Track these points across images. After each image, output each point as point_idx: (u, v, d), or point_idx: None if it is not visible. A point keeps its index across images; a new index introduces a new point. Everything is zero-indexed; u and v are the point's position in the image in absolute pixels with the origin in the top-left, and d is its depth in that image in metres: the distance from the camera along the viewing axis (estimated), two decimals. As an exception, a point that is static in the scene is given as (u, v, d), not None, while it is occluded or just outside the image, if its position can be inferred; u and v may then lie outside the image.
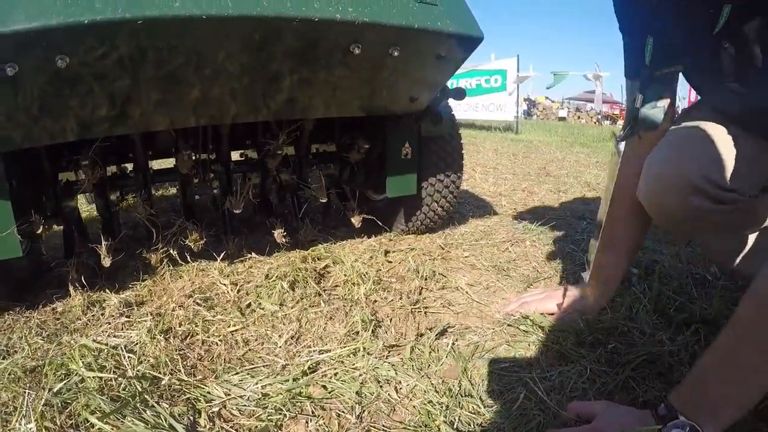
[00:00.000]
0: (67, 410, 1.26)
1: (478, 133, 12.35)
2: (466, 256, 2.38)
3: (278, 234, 2.26)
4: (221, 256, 2.20)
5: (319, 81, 1.78)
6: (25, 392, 1.32)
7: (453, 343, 1.57)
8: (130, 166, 2.51)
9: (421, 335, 1.64)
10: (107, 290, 1.98)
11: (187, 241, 2.14)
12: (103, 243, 2.00)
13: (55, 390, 1.33)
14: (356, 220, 2.44)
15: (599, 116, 30.11)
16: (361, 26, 1.60)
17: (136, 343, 1.59)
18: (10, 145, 1.61)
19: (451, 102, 2.46)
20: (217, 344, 1.60)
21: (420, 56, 1.86)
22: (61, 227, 2.21)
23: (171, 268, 2.17)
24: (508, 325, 1.70)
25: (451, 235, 2.73)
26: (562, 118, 30.15)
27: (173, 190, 4.12)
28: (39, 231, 1.86)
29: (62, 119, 1.57)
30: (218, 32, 1.46)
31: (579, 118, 30.77)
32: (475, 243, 2.60)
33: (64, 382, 1.38)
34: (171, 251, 2.17)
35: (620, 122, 30.11)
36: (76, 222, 2.32)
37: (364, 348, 1.53)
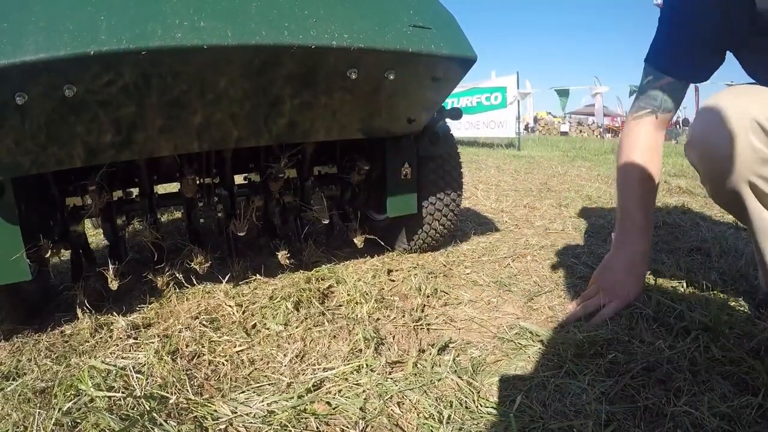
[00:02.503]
0: (77, 429, 1.30)
1: (480, 150, 12.41)
2: (468, 273, 2.41)
3: (282, 256, 2.30)
4: (226, 278, 2.24)
5: (319, 105, 1.84)
6: (35, 412, 1.36)
7: (454, 359, 1.60)
8: (135, 191, 2.55)
9: (423, 351, 1.67)
10: (114, 313, 2.02)
11: (192, 264, 2.18)
12: (111, 266, 2.05)
13: (64, 409, 1.37)
14: (359, 241, 2.47)
15: (601, 129, 30.16)
16: (356, 52, 1.66)
17: (144, 364, 1.62)
18: (19, 171, 1.66)
19: (452, 121, 2.50)
20: (224, 364, 1.63)
21: (416, 79, 1.91)
22: (69, 251, 2.26)
23: (177, 290, 2.21)
24: (509, 339, 1.73)
25: (454, 253, 2.76)
26: (564, 133, 30.25)
27: (177, 214, 4.16)
28: (47, 255, 1.91)
29: (69, 146, 1.63)
30: (219, 61, 1.52)
31: (581, 132, 30.87)
32: (477, 260, 2.63)
33: (74, 401, 1.42)
34: (177, 274, 2.21)
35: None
36: (83, 246, 2.36)
37: (368, 365, 1.56)
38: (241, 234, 2.22)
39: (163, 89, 1.54)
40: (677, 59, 1.81)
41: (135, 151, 1.78)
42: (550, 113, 38.37)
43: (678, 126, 29.23)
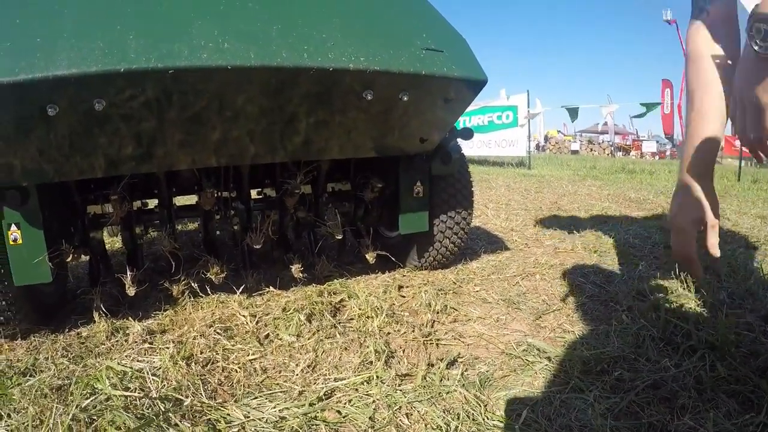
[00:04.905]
0: (93, 425, 1.35)
1: (490, 169, 12.47)
2: (477, 291, 2.45)
3: (295, 269, 2.35)
4: (240, 289, 2.29)
5: (334, 124, 1.90)
6: (52, 407, 1.42)
7: (462, 373, 1.64)
8: (155, 202, 2.61)
9: (432, 365, 1.70)
10: (130, 318, 2.08)
11: (208, 274, 2.23)
12: (128, 273, 2.11)
13: (82, 406, 1.42)
14: (370, 257, 2.52)
15: (612, 148, 30.21)
16: (372, 74, 1.72)
17: (159, 368, 1.68)
18: (43, 178, 1.75)
19: (463, 140, 2.55)
20: (237, 371, 1.68)
21: (428, 100, 1.96)
22: (87, 257, 2.32)
23: (192, 299, 2.27)
24: (516, 356, 1.76)
25: (464, 270, 2.79)
26: (575, 152, 30.25)
27: (192, 225, 4.23)
28: (69, 259, 1.98)
29: (92, 156, 1.71)
30: (240, 80, 1.59)
31: (592, 150, 30.87)
32: (487, 278, 2.66)
33: (90, 399, 1.48)
34: (192, 283, 2.27)
35: (633, 153, 30.16)
36: (102, 252, 2.42)
37: (378, 376, 1.60)
38: (257, 247, 2.27)
39: (185, 105, 1.61)
40: None
41: (155, 164, 1.85)
42: (560, 132, 38.38)
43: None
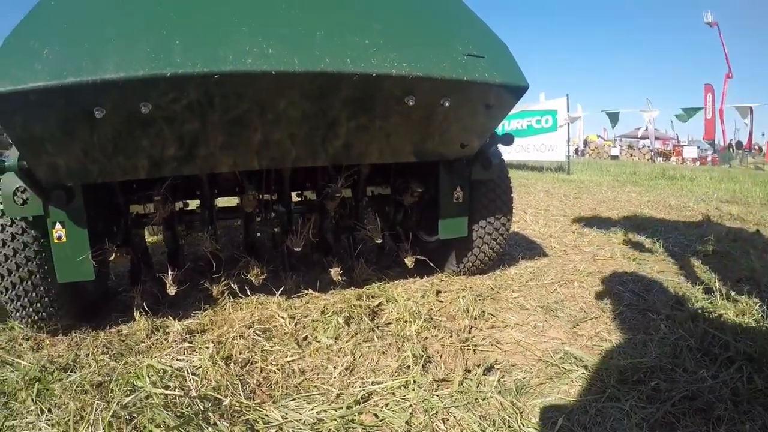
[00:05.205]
0: (133, 422, 1.40)
1: (529, 174, 12.37)
2: (515, 297, 2.45)
3: (335, 272, 2.38)
4: (280, 291, 2.32)
5: (375, 129, 1.92)
6: (93, 403, 1.47)
7: (499, 380, 1.65)
8: (196, 202, 2.66)
9: (469, 371, 1.71)
10: (170, 317, 2.14)
11: (248, 276, 2.27)
12: (169, 273, 2.16)
13: (123, 403, 1.47)
14: (409, 261, 2.53)
15: (652, 153, 29.66)
16: (414, 80, 1.74)
17: (199, 367, 1.72)
18: (88, 178, 1.82)
19: (504, 146, 2.54)
20: (275, 372, 1.71)
21: (469, 106, 1.97)
22: (129, 256, 2.38)
23: (231, 299, 2.31)
24: (553, 363, 1.76)
25: (502, 276, 2.79)
26: (615, 157, 29.81)
27: (234, 224, 4.29)
28: (111, 258, 2.04)
29: (135, 158, 1.76)
30: (283, 85, 1.62)
31: (631, 155, 30.38)
32: (525, 284, 2.66)
33: (131, 396, 1.53)
34: (232, 284, 2.31)
35: (673, 159, 29.62)
36: (143, 251, 2.48)
37: (415, 381, 1.62)
38: (297, 249, 2.30)
39: (228, 109, 1.65)
40: None
41: (197, 165, 1.90)
42: (600, 136, 37.87)
43: (732, 149, 28.47)
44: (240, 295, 2.33)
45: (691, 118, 14.81)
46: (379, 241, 2.45)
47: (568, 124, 13.36)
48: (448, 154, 2.24)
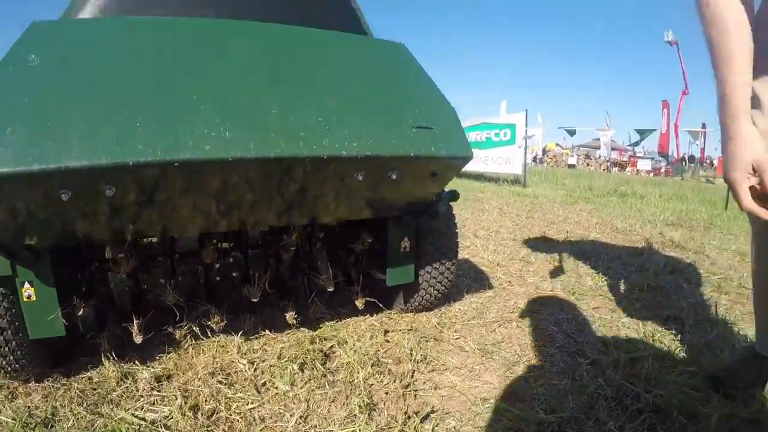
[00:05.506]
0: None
1: (486, 185, 12.69)
2: (456, 338, 2.67)
3: (290, 316, 2.56)
4: (239, 334, 2.51)
5: (328, 199, 2.12)
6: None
7: (433, 428, 1.87)
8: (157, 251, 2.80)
9: (409, 418, 1.92)
10: (137, 362, 2.30)
11: (209, 323, 2.44)
12: (135, 321, 2.30)
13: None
14: (360, 303, 2.74)
15: (608, 163, 30.39)
16: (363, 159, 1.93)
17: (170, 418, 1.90)
18: (54, 244, 1.95)
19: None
20: (238, 421, 1.90)
21: (416, 175, 2.18)
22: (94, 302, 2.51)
23: (194, 342, 2.49)
24: (482, 413, 1.98)
25: (446, 314, 3.02)
26: (572, 165, 30.46)
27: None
28: (80, 313, 2.17)
29: (100, 228, 1.91)
30: (239, 168, 1.79)
31: (588, 165, 31.09)
32: (467, 323, 2.89)
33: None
34: (194, 327, 2.49)
35: (629, 169, 30.35)
36: (108, 298, 2.63)
37: (360, 430, 1.83)
38: (255, 300, 2.47)
39: (187, 187, 1.80)
40: None
41: (158, 232, 2.08)
42: (558, 145, 38.64)
43: (684, 162, 29.31)
44: (201, 337, 2.50)
45: (644, 139, 15.37)
46: (331, 289, 2.63)
47: (526, 140, 13.72)
48: (396, 211, 2.46)
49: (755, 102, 1.62)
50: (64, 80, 1.74)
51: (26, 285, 1.94)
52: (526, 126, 13.64)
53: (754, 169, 1.46)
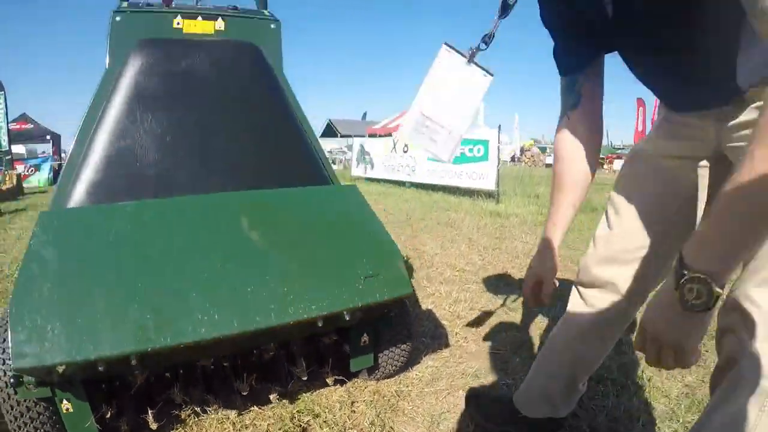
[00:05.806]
0: None
1: (460, 202, 13.19)
2: (410, 408, 3.20)
3: (273, 397, 3.10)
4: (233, 410, 3.05)
5: (294, 335, 2.84)
6: None
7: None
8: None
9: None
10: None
11: (208, 409, 2.99)
12: (150, 412, 2.77)
13: None
14: (330, 381, 3.29)
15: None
16: (321, 317, 2.55)
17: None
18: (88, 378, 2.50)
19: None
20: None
21: (367, 314, 2.82)
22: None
23: (196, 419, 3.01)
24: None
25: (405, 380, 3.51)
26: (549, 165, 31.01)
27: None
28: (108, 416, 2.65)
29: (124, 371, 2.55)
30: (225, 340, 2.37)
31: (567, 164, 31.50)
32: (421, 391, 3.40)
33: None
34: (196, 408, 3.02)
35: (606, 166, 31.02)
36: (128, 398, 2.98)
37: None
38: (244, 393, 3.03)
39: (188, 352, 2.41)
40: (558, 59, 1.98)
41: (166, 367, 2.78)
42: (536, 141, 39.13)
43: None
44: (201, 414, 3.03)
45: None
46: (305, 378, 3.15)
47: (498, 153, 14.25)
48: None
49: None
50: (83, 275, 2.34)
51: (64, 401, 2.42)
52: (499, 143, 14.19)
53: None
